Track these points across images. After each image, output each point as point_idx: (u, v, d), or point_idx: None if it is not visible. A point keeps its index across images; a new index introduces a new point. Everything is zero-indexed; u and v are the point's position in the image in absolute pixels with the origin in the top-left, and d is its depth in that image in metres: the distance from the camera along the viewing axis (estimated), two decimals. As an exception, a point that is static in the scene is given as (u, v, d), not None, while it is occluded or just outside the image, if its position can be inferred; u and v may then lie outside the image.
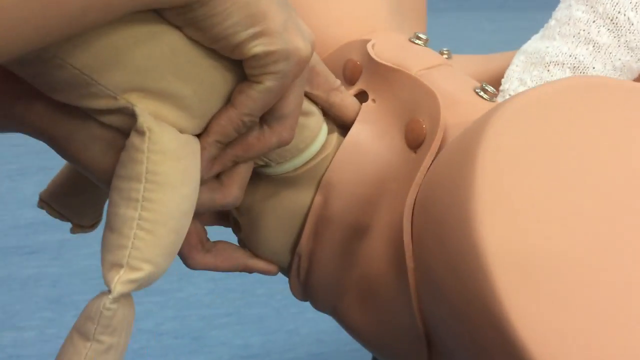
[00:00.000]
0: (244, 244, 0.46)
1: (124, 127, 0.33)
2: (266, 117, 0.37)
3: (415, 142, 0.41)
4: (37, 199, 0.47)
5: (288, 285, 0.47)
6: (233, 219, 0.45)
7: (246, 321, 1.10)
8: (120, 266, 0.31)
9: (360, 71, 0.46)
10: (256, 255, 0.45)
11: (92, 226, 0.49)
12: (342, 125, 0.44)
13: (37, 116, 0.34)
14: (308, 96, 0.41)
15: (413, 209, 0.39)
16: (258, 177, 0.42)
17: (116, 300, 0.31)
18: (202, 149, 0.35)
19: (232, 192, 0.38)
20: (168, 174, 0.32)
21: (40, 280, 1.18)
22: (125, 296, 0.32)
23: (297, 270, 0.45)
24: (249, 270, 0.45)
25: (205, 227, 0.45)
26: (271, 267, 0.45)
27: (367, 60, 0.45)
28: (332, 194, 0.42)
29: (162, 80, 0.32)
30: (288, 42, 0.33)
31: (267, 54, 0.33)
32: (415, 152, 0.41)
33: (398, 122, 0.42)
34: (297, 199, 0.43)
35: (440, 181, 0.36)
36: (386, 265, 0.41)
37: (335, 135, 0.43)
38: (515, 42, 0.56)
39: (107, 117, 0.33)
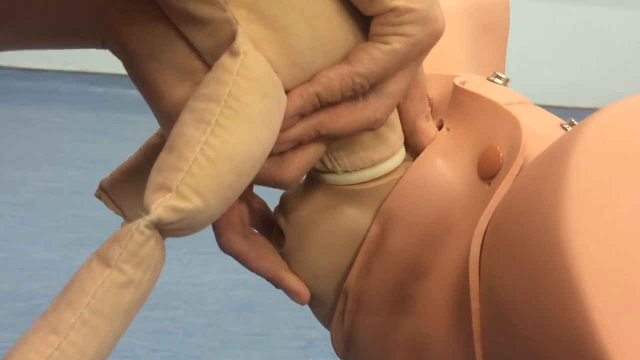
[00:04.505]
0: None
1: (214, 51, 0.31)
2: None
3: (489, 172, 0.36)
4: None
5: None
6: (277, 231, 0.40)
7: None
8: (169, 189, 0.28)
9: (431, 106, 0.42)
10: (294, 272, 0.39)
11: None
12: (415, 156, 0.39)
13: (126, 26, 0.32)
14: (398, 110, 0.37)
15: (482, 242, 0.33)
16: (317, 187, 0.38)
17: (152, 224, 0.27)
18: (299, 96, 0.32)
19: (290, 170, 0.34)
20: (250, 104, 0.29)
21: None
22: (160, 236, 0.28)
23: (342, 314, 0.39)
24: (278, 281, 0.39)
25: None
26: (302, 289, 0.39)
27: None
28: (391, 224, 0.37)
29: (280, 6, 0.30)
30: (430, 8, 0.32)
31: (407, 10, 0.31)
32: (488, 183, 0.36)
33: (472, 152, 0.37)
34: (355, 219, 0.38)
35: (519, 200, 0.31)
36: (445, 314, 0.35)
37: (408, 165, 0.38)
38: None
39: (202, 30, 0.31)
